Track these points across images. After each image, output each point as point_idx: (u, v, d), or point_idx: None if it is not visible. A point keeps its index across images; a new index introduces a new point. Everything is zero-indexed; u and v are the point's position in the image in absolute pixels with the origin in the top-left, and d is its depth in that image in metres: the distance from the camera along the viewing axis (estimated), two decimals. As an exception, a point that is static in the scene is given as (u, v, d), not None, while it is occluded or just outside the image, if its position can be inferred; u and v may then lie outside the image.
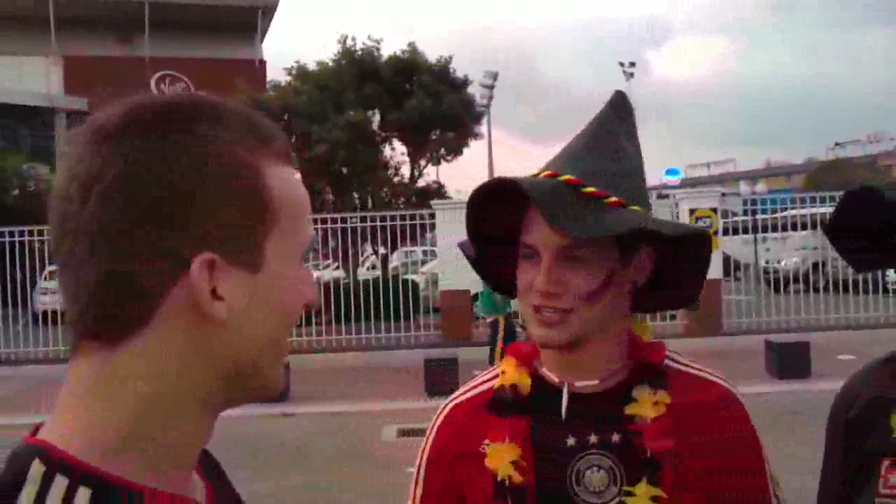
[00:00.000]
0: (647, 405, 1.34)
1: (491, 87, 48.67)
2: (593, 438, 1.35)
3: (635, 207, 1.32)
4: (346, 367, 14.41)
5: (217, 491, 0.92)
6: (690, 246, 1.38)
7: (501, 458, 1.35)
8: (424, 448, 1.51)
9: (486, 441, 1.38)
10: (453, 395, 1.54)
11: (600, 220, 1.27)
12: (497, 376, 1.46)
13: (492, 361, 12.00)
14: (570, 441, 1.36)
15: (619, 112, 1.43)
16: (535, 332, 1.35)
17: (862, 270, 1.43)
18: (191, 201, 0.77)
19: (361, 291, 16.55)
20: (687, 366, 1.45)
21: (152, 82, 36.08)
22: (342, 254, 19.29)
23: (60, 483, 0.74)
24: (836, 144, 79.97)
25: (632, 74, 57.80)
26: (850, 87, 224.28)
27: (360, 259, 21.63)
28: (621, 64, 57.66)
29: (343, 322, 16.17)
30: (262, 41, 41.36)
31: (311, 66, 21.62)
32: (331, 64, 21.35)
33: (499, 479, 1.34)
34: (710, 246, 1.39)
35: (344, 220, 16.79)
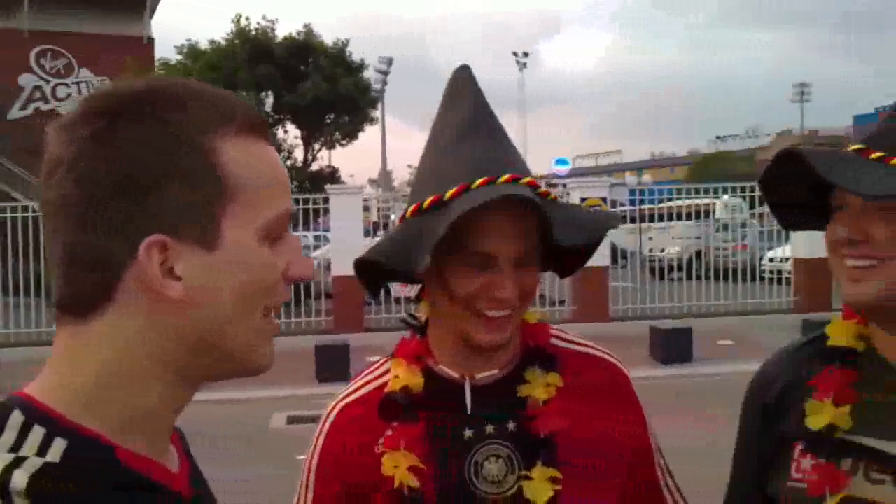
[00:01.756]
0: (538, 388, 1.36)
1: (386, 73, 48.59)
2: (490, 428, 1.35)
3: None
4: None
5: (193, 470, 0.97)
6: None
7: (398, 464, 1.32)
8: (314, 451, 1.45)
9: (381, 443, 1.34)
10: (342, 394, 1.48)
11: (580, 221, 1.33)
12: (386, 372, 1.43)
13: None
14: (468, 434, 1.35)
15: (480, 92, 1.39)
16: (481, 336, 1.31)
17: (790, 229, 1.46)
18: (141, 182, 0.80)
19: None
20: (574, 343, 1.48)
21: (31, 57, 34.33)
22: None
23: (37, 432, 0.79)
24: (718, 138, 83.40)
25: (525, 65, 58.67)
26: (730, 82, 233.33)
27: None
28: (515, 54, 58.58)
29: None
30: (151, 17, 39.93)
31: (203, 45, 21.07)
32: (223, 43, 20.85)
33: (395, 486, 1.31)
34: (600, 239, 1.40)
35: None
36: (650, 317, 15.04)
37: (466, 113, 1.36)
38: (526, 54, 58.54)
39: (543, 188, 1.32)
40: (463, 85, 1.40)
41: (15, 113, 33.21)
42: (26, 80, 34.01)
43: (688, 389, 9.46)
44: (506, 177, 1.28)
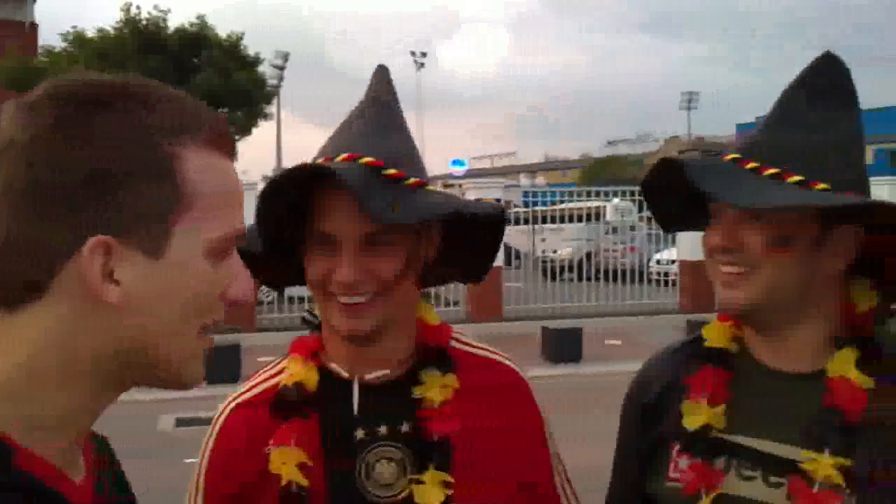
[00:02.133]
0: (434, 389, 1.32)
1: (282, 68, 47.84)
2: (383, 430, 1.32)
3: (431, 187, 1.31)
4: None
5: (106, 481, 0.93)
6: (484, 225, 1.37)
7: (286, 461, 1.27)
8: (204, 453, 1.39)
9: (271, 443, 1.30)
10: (233, 395, 1.43)
11: (412, 202, 1.23)
12: (281, 371, 1.38)
13: None
14: (360, 434, 1.31)
15: (390, 88, 1.38)
16: (340, 323, 1.27)
17: (669, 230, 1.49)
18: (94, 180, 0.76)
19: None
20: (473, 346, 1.46)
21: None
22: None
23: None
24: (609, 142, 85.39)
25: (422, 65, 58.79)
26: (622, 89, 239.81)
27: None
28: (412, 53, 58.56)
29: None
30: (34, 2, 38.16)
31: (91, 33, 20.26)
32: (112, 32, 20.10)
33: (283, 483, 1.27)
34: (503, 225, 1.39)
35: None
36: (542, 317, 15.28)
37: (357, 108, 1.35)
38: (424, 54, 58.64)
39: (392, 171, 1.24)
40: (374, 80, 1.39)
41: None
42: None
43: (577, 388, 9.66)
44: (343, 156, 1.25)
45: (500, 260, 15.45)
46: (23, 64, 18.31)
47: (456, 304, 15.99)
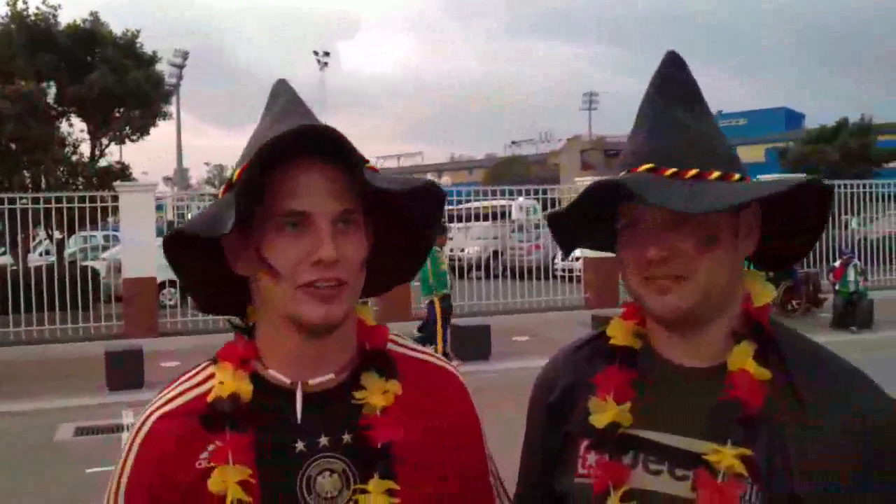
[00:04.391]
0: (376, 394, 1.28)
1: (181, 67, 46.71)
2: (324, 440, 1.25)
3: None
4: (15, 361, 13.19)
5: None
6: (420, 206, 1.32)
7: (226, 479, 1.20)
8: (123, 468, 1.28)
9: (203, 458, 1.23)
10: (156, 402, 1.32)
11: (392, 181, 1.21)
12: (209, 378, 1.30)
13: (432, 342, 11.78)
14: (300, 447, 1.24)
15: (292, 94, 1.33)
16: (313, 312, 1.20)
17: (568, 253, 1.48)
18: None
19: (33, 279, 15.14)
20: (408, 348, 1.43)
21: None
22: (10, 238, 17.46)
23: None
24: (513, 142, 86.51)
25: (326, 64, 58.28)
26: (524, 89, 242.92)
27: (32, 244, 19.73)
28: (315, 53, 58.01)
29: (11, 313, 14.71)
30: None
31: (-26, 28, 19.31)
32: (-2, 28, 19.22)
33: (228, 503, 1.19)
34: (441, 204, 1.33)
35: (12, 201, 15.23)
36: (453, 314, 15.35)
37: (283, 104, 1.29)
38: (327, 53, 58.14)
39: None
40: (281, 88, 1.33)
41: None
42: None
43: (487, 384, 9.73)
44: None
45: (407, 259, 15.42)
46: None
47: (365, 303, 15.88)
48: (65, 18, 19.53)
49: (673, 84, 1.32)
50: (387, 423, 1.26)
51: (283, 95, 1.31)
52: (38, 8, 19.34)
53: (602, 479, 1.30)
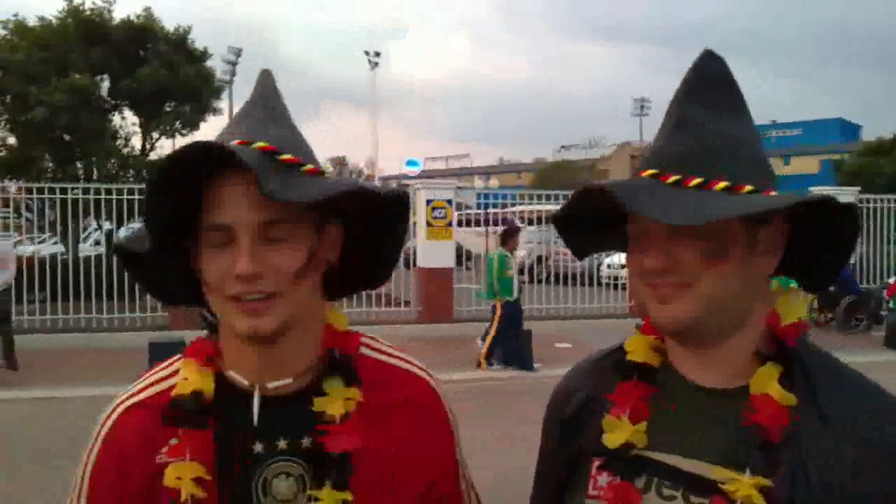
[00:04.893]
0: (336, 402, 1.26)
1: (234, 64, 47.47)
2: (282, 444, 1.25)
3: (328, 176, 1.25)
4: (63, 348, 13.43)
5: None
6: (391, 216, 1.31)
7: (182, 475, 1.20)
8: (88, 458, 1.29)
9: (163, 452, 1.23)
10: (123, 395, 1.33)
11: (310, 184, 1.16)
12: (175, 373, 1.30)
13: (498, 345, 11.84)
14: (258, 448, 1.24)
15: (276, 92, 1.32)
16: (241, 324, 1.18)
17: (582, 257, 1.46)
18: None
19: (82, 268, 15.39)
20: (384, 354, 1.40)
21: None
22: (62, 227, 17.76)
23: None
24: (562, 147, 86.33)
25: (377, 64, 58.74)
26: (574, 94, 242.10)
27: (83, 234, 20.09)
28: (366, 53, 58.49)
29: (61, 301, 14.97)
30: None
31: (32, 22, 19.75)
32: (54, 21, 19.62)
33: (183, 499, 1.19)
34: (406, 214, 1.32)
35: (64, 191, 15.51)
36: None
37: (247, 105, 1.29)
38: (378, 53, 58.59)
39: (288, 156, 1.18)
40: (257, 82, 1.32)
41: None
42: None
43: (524, 390, 9.63)
44: (235, 142, 1.16)
45: (452, 261, 15.41)
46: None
47: (407, 304, 15.88)
48: (119, 14, 19.90)
49: (701, 82, 1.25)
50: (344, 431, 1.24)
51: (254, 92, 1.30)
52: (93, 3, 19.72)
53: (612, 502, 1.25)
